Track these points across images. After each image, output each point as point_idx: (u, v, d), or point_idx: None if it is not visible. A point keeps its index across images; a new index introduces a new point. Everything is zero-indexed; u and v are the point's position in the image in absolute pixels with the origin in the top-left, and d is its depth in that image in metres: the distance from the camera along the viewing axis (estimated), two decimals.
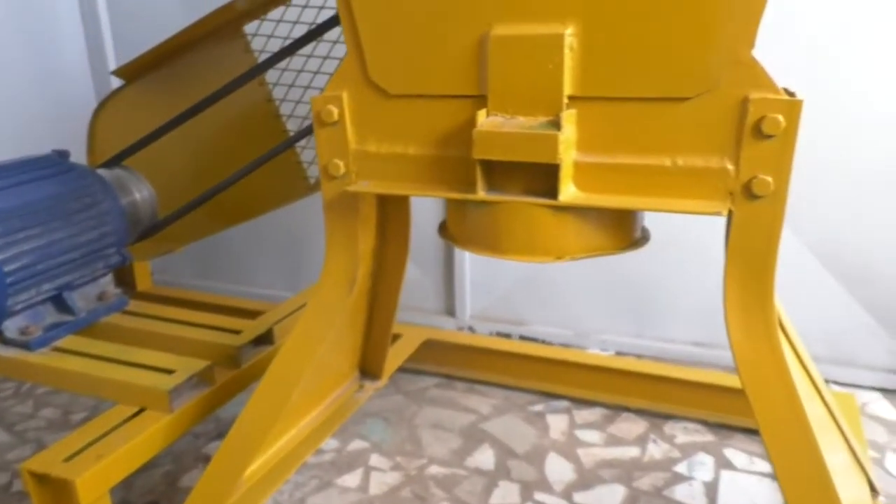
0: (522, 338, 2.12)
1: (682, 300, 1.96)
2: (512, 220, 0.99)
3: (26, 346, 1.42)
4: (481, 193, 0.98)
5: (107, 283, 1.61)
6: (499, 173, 0.98)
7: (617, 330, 2.05)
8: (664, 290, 1.97)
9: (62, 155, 1.61)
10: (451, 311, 2.20)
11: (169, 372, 1.33)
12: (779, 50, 1.50)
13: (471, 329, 2.18)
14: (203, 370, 1.35)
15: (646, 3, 0.89)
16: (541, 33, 0.93)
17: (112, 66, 2.30)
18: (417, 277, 2.17)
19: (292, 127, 1.79)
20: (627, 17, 0.90)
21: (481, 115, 0.97)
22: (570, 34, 0.92)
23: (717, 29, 0.87)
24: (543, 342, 2.09)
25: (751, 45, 0.87)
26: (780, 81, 0.88)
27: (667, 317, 2.00)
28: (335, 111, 1.07)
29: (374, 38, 1.03)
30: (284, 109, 1.79)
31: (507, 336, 2.13)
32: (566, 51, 0.92)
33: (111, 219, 1.59)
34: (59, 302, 1.50)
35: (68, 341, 1.46)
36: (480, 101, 0.99)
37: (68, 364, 1.37)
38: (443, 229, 1.15)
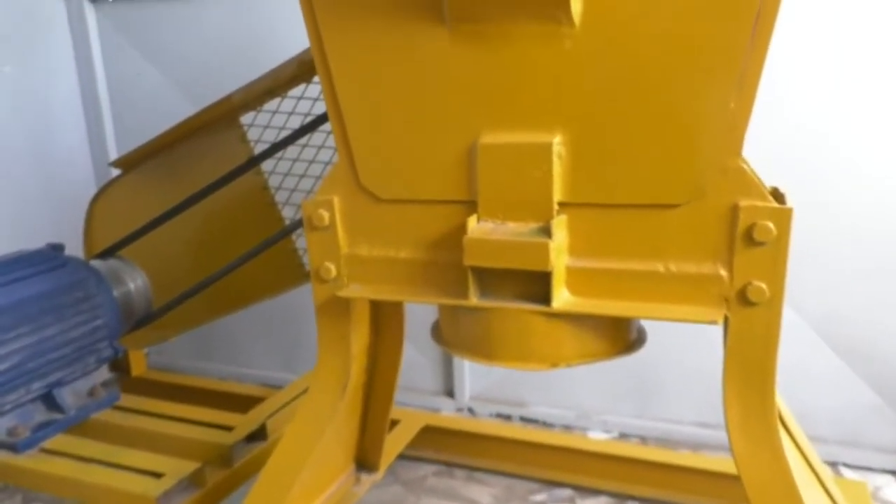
0: (523, 419, 2.07)
1: (685, 380, 1.92)
2: (505, 327, 0.98)
3: (13, 447, 1.39)
4: (473, 300, 0.97)
5: (98, 377, 1.59)
6: (491, 278, 0.98)
7: (619, 411, 2.01)
8: (667, 369, 1.93)
9: (56, 248, 1.61)
10: (450, 392, 2.16)
11: (158, 475, 1.30)
12: (774, 129, 1.53)
13: (471, 411, 2.14)
14: (193, 473, 1.31)
15: (632, 113, 0.89)
16: (529, 141, 0.93)
17: (113, 153, 2.33)
18: (416, 359, 2.14)
19: (288, 214, 1.79)
20: (614, 125, 0.91)
21: (472, 221, 0.96)
22: (558, 143, 0.92)
23: (702, 138, 0.87)
24: (545, 423, 2.04)
25: (738, 153, 0.87)
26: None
27: (670, 397, 1.96)
28: (326, 215, 1.07)
29: (365, 144, 1.04)
30: (280, 197, 1.80)
31: (508, 418, 2.09)
32: (555, 158, 0.93)
33: (104, 312, 1.58)
34: (48, 400, 1.48)
35: (57, 441, 1.43)
36: (471, 206, 0.99)
37: (55, 468, 1.34)
38: (436, 331, 1.14)
